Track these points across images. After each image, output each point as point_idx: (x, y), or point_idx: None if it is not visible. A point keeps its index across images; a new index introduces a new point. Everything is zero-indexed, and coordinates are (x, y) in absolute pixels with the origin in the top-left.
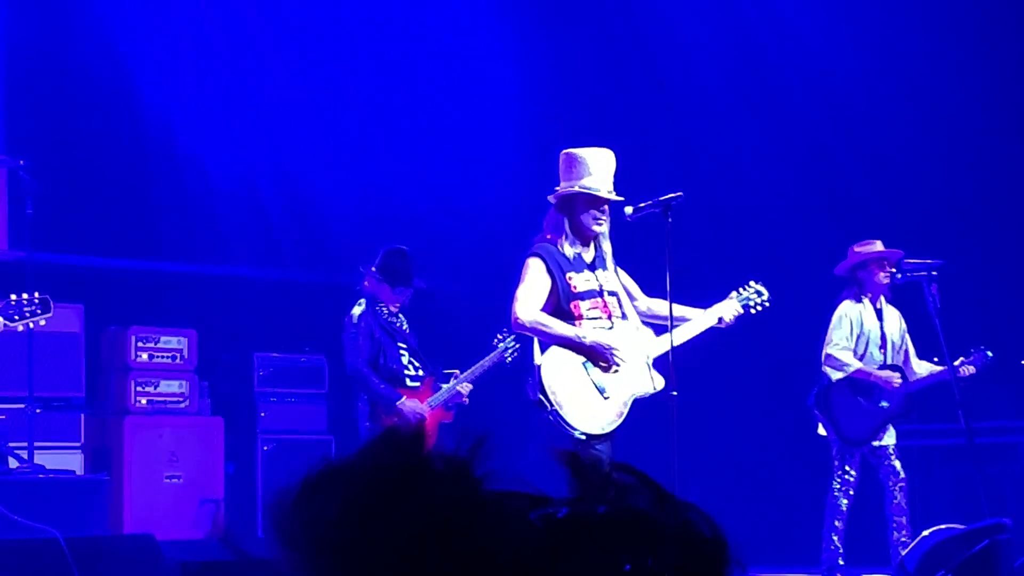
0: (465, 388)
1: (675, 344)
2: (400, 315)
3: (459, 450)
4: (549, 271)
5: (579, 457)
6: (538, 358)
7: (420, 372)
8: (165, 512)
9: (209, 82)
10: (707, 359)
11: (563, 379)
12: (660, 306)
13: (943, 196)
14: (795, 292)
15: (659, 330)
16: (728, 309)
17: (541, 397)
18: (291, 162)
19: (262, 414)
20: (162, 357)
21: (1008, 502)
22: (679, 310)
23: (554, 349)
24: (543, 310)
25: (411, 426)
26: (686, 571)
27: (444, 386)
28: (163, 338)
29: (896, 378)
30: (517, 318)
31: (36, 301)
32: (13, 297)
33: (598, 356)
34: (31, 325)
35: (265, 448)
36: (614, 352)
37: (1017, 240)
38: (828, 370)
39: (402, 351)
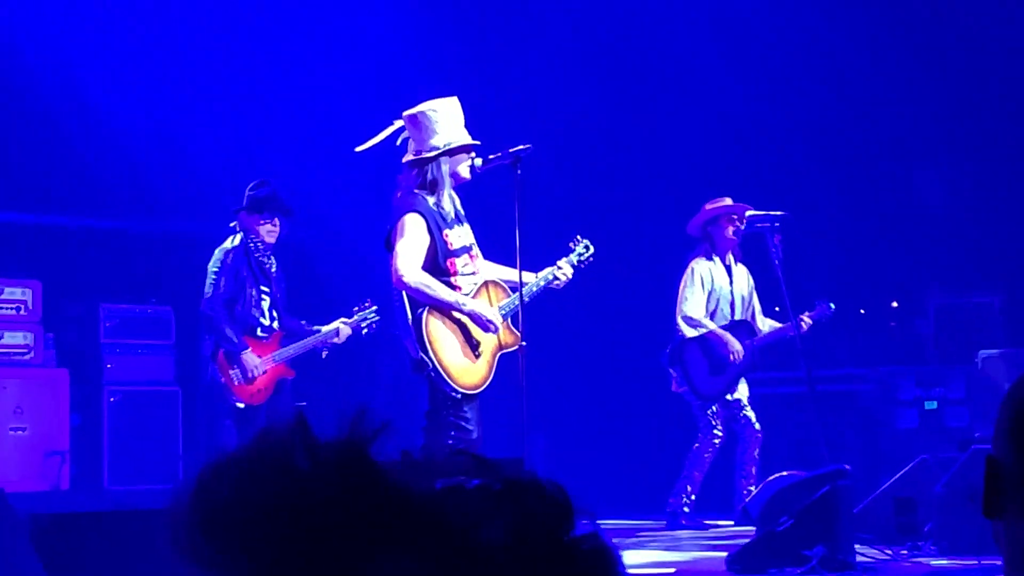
0: (344, 332)
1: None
2: (272, 256)
3: (341, 427)
4: (429, 229)
5: (408, 454)
6: (411, 316)
7: (274, 324)
8: (11, 464)
9: (69, 35)
10: (558, 313)
11: (442, 337)
12: (487, 268)
13: (785, 150)
14: (644, 249)
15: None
16: (562, 274)
17: (423, 356)
18: (140, 107)
19: (108, 365)
20: (6, 308)
21: (849, 449)
22: (509, 273)
23: (430, 309)
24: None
25: (293, 414)
26: (525, 529)
27: (300, 343)
28: (7, 289)
29: (739, 352)
30: (401, 277)
31: None
32: None
33: (475, 323)
34: None
35: (111, 399)
36: (490, 320)
37: (857, 191)
38: (683, 327)
39: (263, 295)
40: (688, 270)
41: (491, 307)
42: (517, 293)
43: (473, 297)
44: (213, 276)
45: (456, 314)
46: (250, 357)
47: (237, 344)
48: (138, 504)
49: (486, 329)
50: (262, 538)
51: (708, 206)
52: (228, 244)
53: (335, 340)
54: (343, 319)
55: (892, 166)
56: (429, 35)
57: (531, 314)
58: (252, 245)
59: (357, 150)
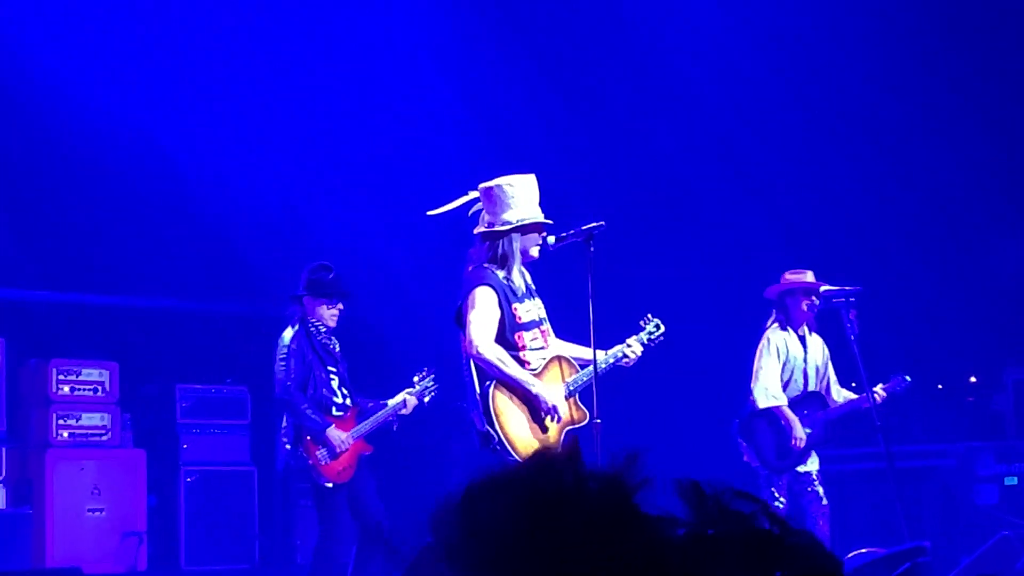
0: (411, 402)
1: (592, 375)
2: (333, 337)
3: (612, 467)
4: (499, 302)
5: (698, 486)
6: (479, 389)
7: (347, 401)
8: (88, 545)
9: (133, 109)
10: (630, 387)
11: (508, 411)
12: (559, 346)
13: (861, 222)
14: (718, 324)
15: None
16: (632, 352)
17: (488, 429)
18: (212, 192)
19: (184, 446)
20: (83, 390)
21: (928, 526)
22: (580, 351)
23: (498, 383)
24: None
25: (564, 447)
26: None
27: (372, 417)
28: (84, 370)
29: (801, 440)
30: (476, 349)
31: None
32: None
33: (538, 407)
34: None
35: (188, 480)
36: (554, 407)
37: (933, 264)
38: (758, 398)
39: (332, 376)
40: (764, 339)
41: (559, 388)
42: (586, 369)
43: (542, 371)
44: (282, 363)
45: (523, 392)
46: (335, 433)
47: (321, 422)
48: None
49: (548, 415)
50: (523, 554)
51: (788, 275)
52: (287, 334)
53: (403, 411)
54: (408, 390)
55: (969, 238)
56: (503, 109)
57: (607, 391)
58: (314, 329)
59: (429, 214)
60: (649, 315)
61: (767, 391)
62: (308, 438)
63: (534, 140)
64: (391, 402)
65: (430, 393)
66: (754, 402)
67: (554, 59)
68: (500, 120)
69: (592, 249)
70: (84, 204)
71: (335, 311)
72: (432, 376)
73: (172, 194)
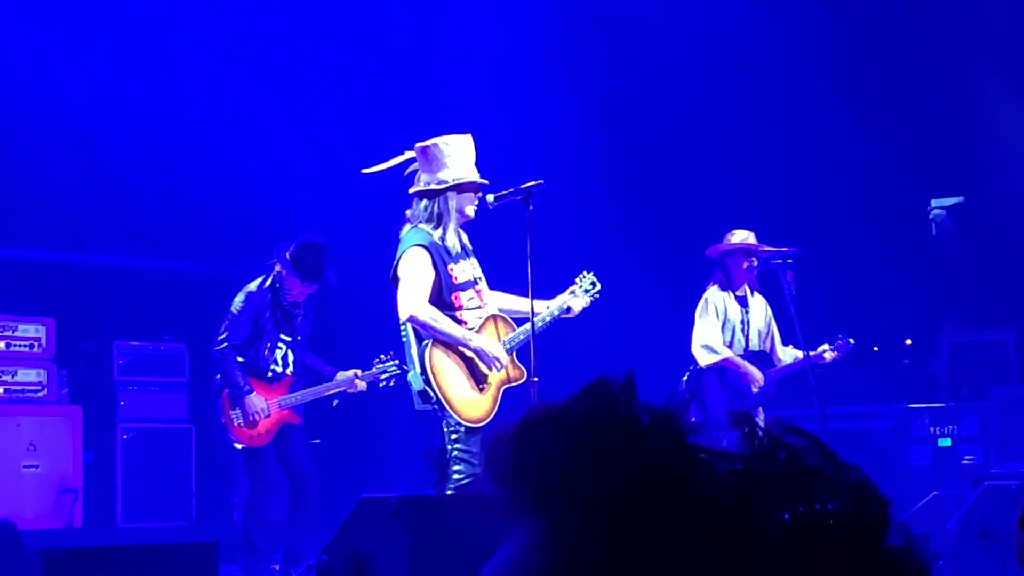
0: (361, 386)
1: (529, 333)
2: (302, 304)
3: (666, 405)
4: (434, 263)
5: (751, 418)
6: (415, 349)
7: (287, 371)
8: (24, 501)
9: (80, 61)
10: (569, 347)
11: (447, 371)
12: (498, 299)
13: (798, 184)
14: (656, 282)
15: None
16: (577, 302)
17: (426, 388)
18: (155, 148)
19: (121, 403)
20: (19, 346)
21: None
22: (519, 302)
23: (434, 342)
24: None
25: (620, 377)
26: (856, 522)
27: (309, 389)
28: (20, 326)
29: (759, 380)
30: (410, 312)
31: None
32: None
33: (480, 360)
34: None
35: (125, 437)
36: (496, 358)
37: (870, 229)
38: (699, 356)
39: (280, 344)
40: (702, 300)
41: (497, 342)
42: (522, 328)
43: (479, 331)
44: (231, 318)
45: (462, 349)
46: (254, 400)
47: (242, 387)
48: (151, 541)
49: (491, 366)
50: (573, 489)
51: (730, 236)
52: (254, 286)
53: (352, 391)
54: (358, 371)
55: (907, 202)
56: (445, 70)
57: (542, 349)
58: (282, 295)
59: (365, 172)
60: (584, 272)
61: (707, 348)
62: (226, 396)
63: (475, 98)
64: (337, 377)
65: (389, 379)
66: (697, 360)
67: (499, 10)
68: (444, 78)
69: (531, 207)
70: (23, 158)
71: (307, 289)
72: (396, 362)
73: (113, 150)
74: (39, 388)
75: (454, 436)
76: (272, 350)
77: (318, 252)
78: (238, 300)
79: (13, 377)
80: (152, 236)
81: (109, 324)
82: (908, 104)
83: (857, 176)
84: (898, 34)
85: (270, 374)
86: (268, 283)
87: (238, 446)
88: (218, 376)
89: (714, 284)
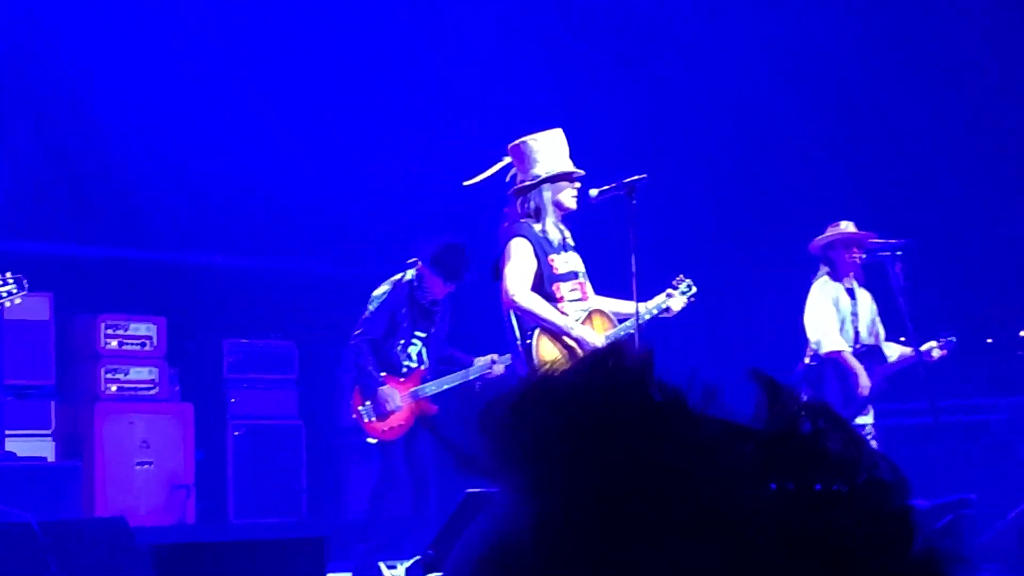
0: (498, 369)
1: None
2: (441, 302)
3: (681, 385)
4: (535, 253)
5: (775, 383)
6: (520, 338)
7: (421, 366)
8: (137, 498)
9: (183, 72)
10: (669, 342)
11: (552, 360)
12: (598, 301)
13: (909, 175)
14: (761, 277)
15: None
16: (675, 302)
17: None
18: (263, 149)
19: (232, 400)
20: (132, 344)
21: (976, 479)
22: (619, 305)
23: (542, 331)
24: None
25: (638, 348)
26: (859, 509)
27: (446, 378)
28: (132, 325)
29: (866, 386)
30: (512, 298)
31: (10, 280)
32: None
33: (582, 349)
34: (7, 304)
35: (235, 434)
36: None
37: (980, 218)
38: (819, 344)
39: (415, 341)
40: (814, 289)
41: (598, 333)
42: (624, 324)
43: (583, 324)
44: (370, 313)
45: (565, 338)
46: (386, 392)
47: (375, 378)
48: (262, 537)
49: None
50: (576, 466)
51: (831, 228)
52: (391, 282)
53: (490, 374)
54: (494, 356)
55: (1021, 189)
56: (543, 67)
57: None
58: (420, 292)
59: (465, 184)
60: (681, 275)
61: (828, 336)
62: (358, 390)
63: (576, 94)
64: (477, 362)
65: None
66: (817, 351)
67: (593, 13)
68: (541, 76)
69: (634, 202)
70: (132, 160)
71: (448, 289)
72: None
73: (220, 151)
74: (151, 386)
75: None
76: (407, 346)
77: (459, 253)
78: (375, 295)
79: (125, 375)
80: (260, 235)
81: (219, 322)
82: (1021, 91)
83: (968, 165)
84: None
85: (404, 369)
86: (406, 280)
87: (371, 440)
88: (351, 373)
89: (823, 275)
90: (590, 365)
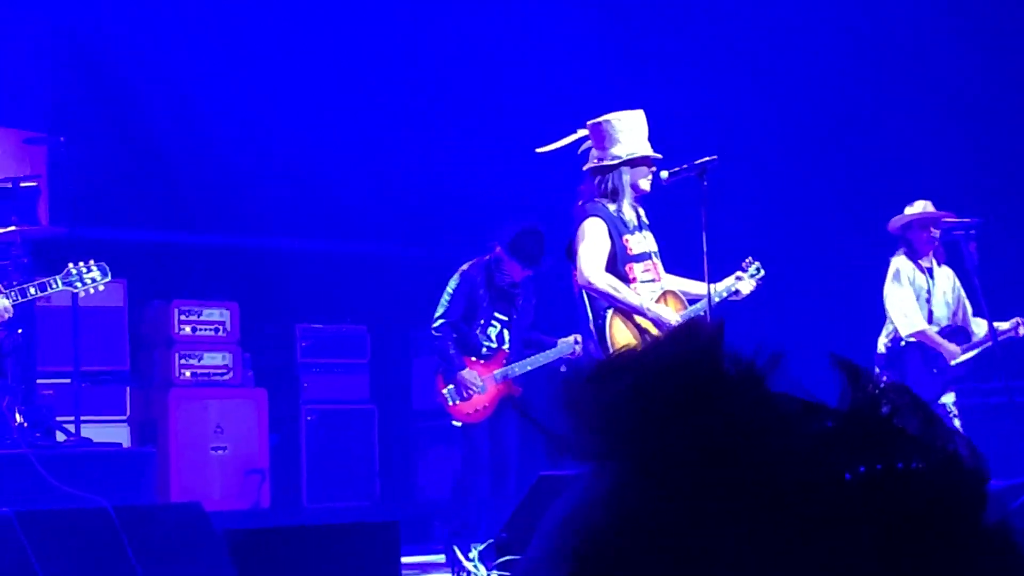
0: (579, 349)
1: (701, 310)
2: (521, 284)
3: (754, 359)
4: (610, 233)
5: (856, 366)
6: (593, 318)
7: (503, 347)
8: (212, 483)
9: (251, 58)
10: (749, 324)
11: (625, 341)
12: (669, 281)
13: (982, 153)
14: (836, 258)
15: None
16: (744, 285)
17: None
18: (335, 133)
19: (305, 384)
20: (205, 330)
21: None
22: (690, 285)
23: (615, 312)
24: None
25: (711, 323)
26: (942, 487)
27: (528, 359)
28: (205, 311)
29: (956, 352)
30: (588, 280)
31: (94, 267)
32: (71, 265)
33: (657, 329)
34: (91, 291)
35: (308, 418)
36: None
37: None
38: (902, 325)
39: (494, 322)
40: (892, 270)
41: (674, 313)
42: (695, 305)
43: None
44: (447, 297)
45: (638, 318)
46: (467, 376)
47: (457, 363)
48: (336, 521)
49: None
50: (654, 437)
51: (909, 208)
52: (468, 265)
53: (573, 354)
54: (577, 336)
55: None
56: (617, 46)
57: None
58: (498, 275)
59: (539, 151)
60: (749, 258)
61: (907, 317)
62: (440, 375)
63: (647, 74)
64: (560, 343)
65: None
66: (897, 332)
67: None
68: (613, 54)
69: (705, 183)
70: (203, 145)
71: (526, 273)
72: None
73: (290, 135)
74: (225, 371)
75: None
76: (486, 327)
77: (537, 238)
78: (453, 279)
79: (199, 361)
80: (332, 219)
81: (291, 307)
82: None
83: None
84: None
85: (484, 350)
86: (484, 262)
87: (456, 424)
88: (433, 358)
89: (901, 254)
90: (666, 341)
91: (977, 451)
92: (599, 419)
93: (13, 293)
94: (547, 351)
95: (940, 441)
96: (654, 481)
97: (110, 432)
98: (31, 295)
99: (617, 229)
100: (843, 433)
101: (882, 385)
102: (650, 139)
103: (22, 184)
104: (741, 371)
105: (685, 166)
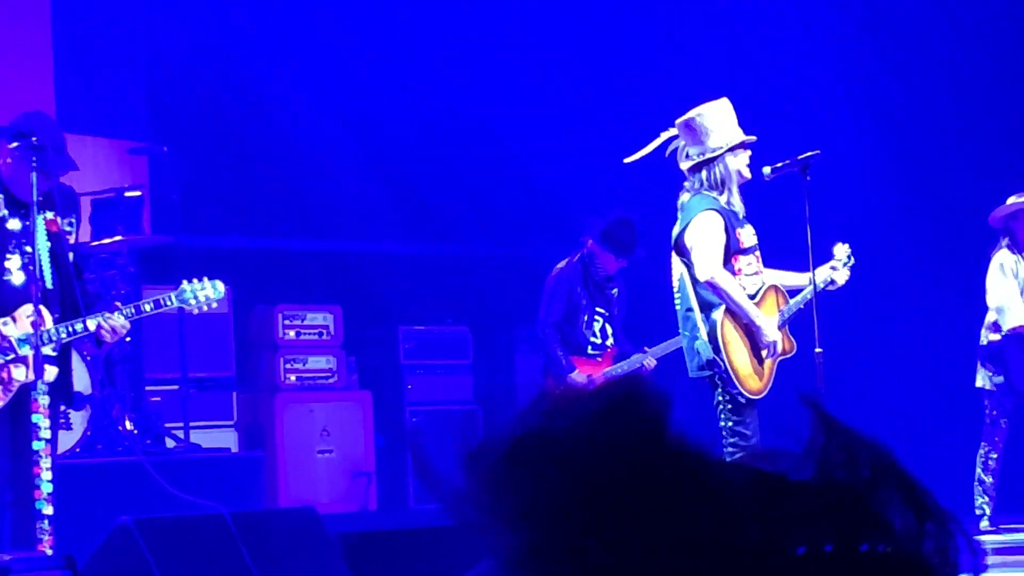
0: (649, 363)
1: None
2: (615, 277)
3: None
4: (725, 227)
5: (831, 420)
6: (700, 316)
7: (607, 343)
8: (320, 486)
9: (348, 64)
10: (852, 317)
11: (734, 340)
12: (769, 274)
13: None
14: (937, 249)
15: None
16: (839, 275)
17: (715, 356)
18: (434, 133)
19: (409, 386)
20: (309, 334)
21: None
22: (786, 276)
23: (726, 312)
24: None
25: (651, 391)
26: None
27: (631, 358)
28: (309, 315)
29: None
30: (711, 275)
31: (207, 284)
32: (185, 282)
33: (758, 340)
34: (204, 308)
35: (413, 419)
36: (772, 344)
37: None
38: (1001, 319)
39: (596, 317)
40: (994, 263)
41: (774, 319)
42: (793, 300)
43: (760, 300)
44: (547, 298)
45: (745, 321)
46: (576, 380)
47: (566, 366)
48: (444, 522)
49: (765, 349)
50: (568, 533)
51: (1010, 200)
52: (560, 265)
53: (642, 368)
54: (645, 348)
55: None
56: (708, 42)
57: (825, 319)
58: (594, 269)
59: (626, 161)
60: (840, 243)
61: (1010, 309)
62: (551, 378)
63: (749, 69)
64: (634, 357)
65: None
66: (999, 325)
67: None
68: (706, 52)
69: (808, 178)
70: (304, 151)
71: (620, 264)
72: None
73: (393, 137)
74: (329, 375)
75: (729, 407)
76: (590, 324)
77: (630, 227)
78: (550, 279)
79: (304, 365)
80: (432, 221)
81: (393, 309)
82: None
83: None
84: None
85: (590, 348)
86: (577, 258)
87: None
88: (540, 358)
89: (1003, 247)
90: (598, 415)
91: (972, 541)
92: (517, 506)
93: (128, 310)
94: (621, 363)
95: (924, 523)
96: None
97: (218, 437)
98: (146, 312)
99: (731, 222)
100: (805, 502)
101: (864, 445)
102: (751, 132)
103: (126, 194)
104: (685, 447)
105: (788, 161)
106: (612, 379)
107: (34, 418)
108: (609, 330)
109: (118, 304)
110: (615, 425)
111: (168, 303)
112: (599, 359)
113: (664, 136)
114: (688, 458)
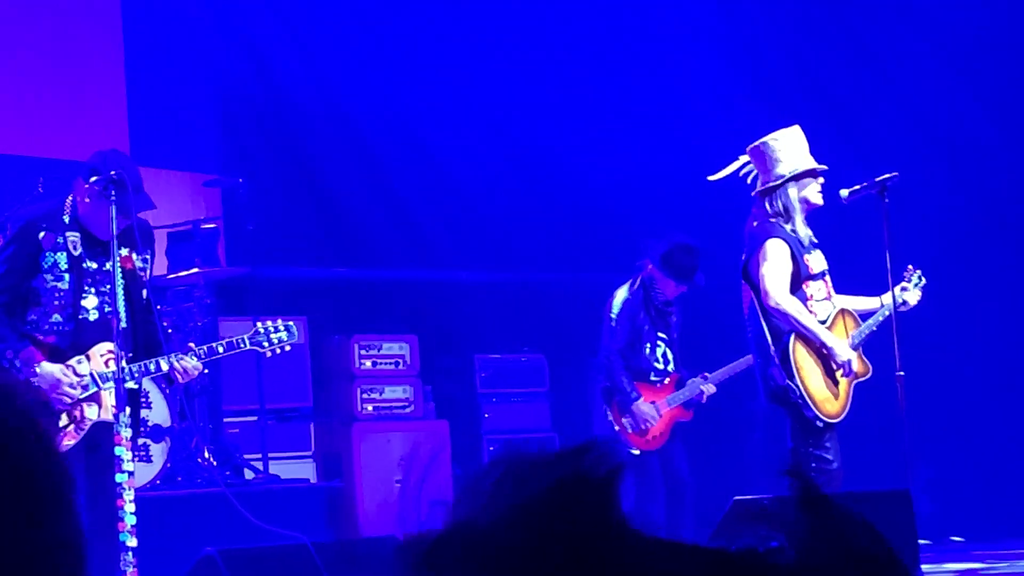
0: (709, 389)
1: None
2: (674, 302)
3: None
4: (792, 255)
5: (818, 498)
6: (772, 341)
7: (669, 368)
8: (398, 516)
9: (422, 96)
10: (933, 339)
11: (807, 365)
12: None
13: None
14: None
15: None
16: (911, 296)
17: (789, 383)
18: (502, 167)
19: (486, 415)
20: (385, 364)
21: None
22: (858, 302)
23: (796, 336)
24: None
25: (600, 471)
26: None
27: (689, 383)
28: (385, 345)
29: None
30: (777, 301)
31: (281, 328)
32: (259, 324)
33: (831, 360)
34: (277, 351)
35: (491, 448)
36: (847, 363)
37: None
38: None
39: (659, 342)
40: None
41: (846, 344)
42: (866, 323)
43: (830, 324)
44: (611, 324)
45: (818, 345)
46: (642, 408)
47: (631, 394)
48: None
49: (840, 368)
50: None
51: None
52: (621, 293)
53: (699, 395)
54: (706, 373)
55: None
56: (783, 62)
57: (880, 341)
58: (655, 293)
59: (709, 179)
60: (911, 266)
61: None
62: (616, 405)
63: (825, 94)
64: (690, 383)
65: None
66: None
67: (841, 8)
68: (785, 75)
69: (886, 200)
70: (377, 181)
71: (680, 290)
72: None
73: (462, 170)
74: (406, 404)
75: (807, 432)
76: (653, 350)
77: (690, 253)
78: (613, 305)
79: (381, 395)
80: (506, 249)
81: (469, 338)
82: None
83: None
84: None
85: (653, 375)
86: (638, 283)
87: (635, 452)
88: (603, 384)
89: None
90: (539, 502)
91: None
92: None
93: (201, 350)
94: (682, 389)
95: None
96: None
97: (296, 468)
98: (220, 354)
99: (797, 249)
100: None
101: (849, 523)
102: (821, 155)
103: (202, 226)
104: (631, 538)
105: (865, 184)
106: (563, 451)
107: (117, 451)
108: (670, 356)
109: (191, 345)
110: (555, 516)
111: (242, 345)
112: (662, 385)
113: (742, 159)
114: (632, 552)
